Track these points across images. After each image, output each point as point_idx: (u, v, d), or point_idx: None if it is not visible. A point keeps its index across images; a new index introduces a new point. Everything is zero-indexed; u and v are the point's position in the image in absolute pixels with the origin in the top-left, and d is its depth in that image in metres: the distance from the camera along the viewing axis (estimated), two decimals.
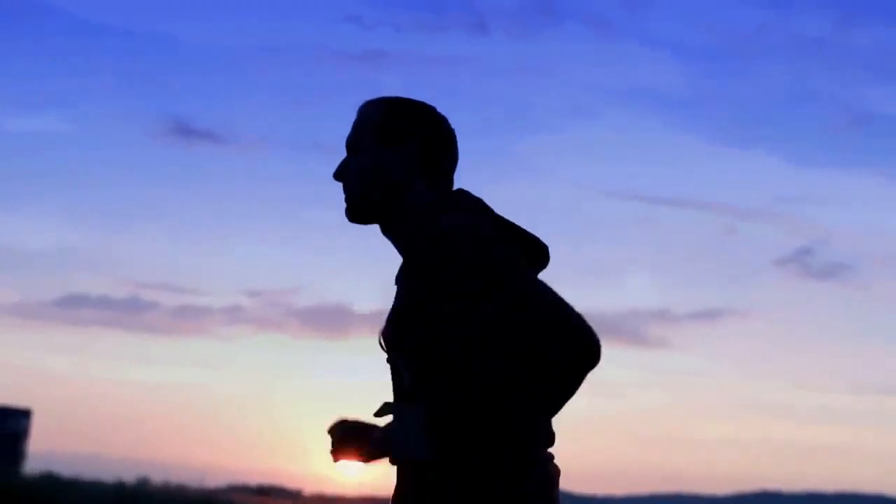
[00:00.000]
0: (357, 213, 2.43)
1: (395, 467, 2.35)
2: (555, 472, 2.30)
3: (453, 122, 2.50)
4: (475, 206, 2.35)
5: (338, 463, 2.35)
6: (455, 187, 2.48)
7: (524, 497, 2.21)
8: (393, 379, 2.37)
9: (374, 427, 2.32)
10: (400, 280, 2.39)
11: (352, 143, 2.46)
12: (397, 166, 2.40)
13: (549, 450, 2.32)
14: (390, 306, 2.41)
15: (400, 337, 2.30)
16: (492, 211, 2.37)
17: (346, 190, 2.45)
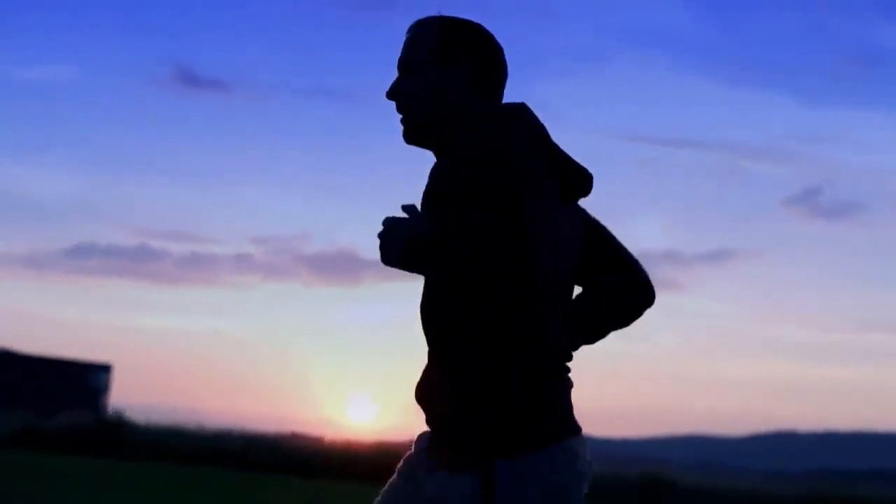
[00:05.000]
0: (416, 134, 2.44)
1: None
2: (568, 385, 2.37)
3: None
4: (514, 120, 2.39)
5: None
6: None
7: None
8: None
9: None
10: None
11: (405, 63, 2.47)
12: (454, 86, 2.42)
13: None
14: None
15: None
16: (538, 130, 2.40)
17: (401, 111, 2.46)
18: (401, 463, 2.43)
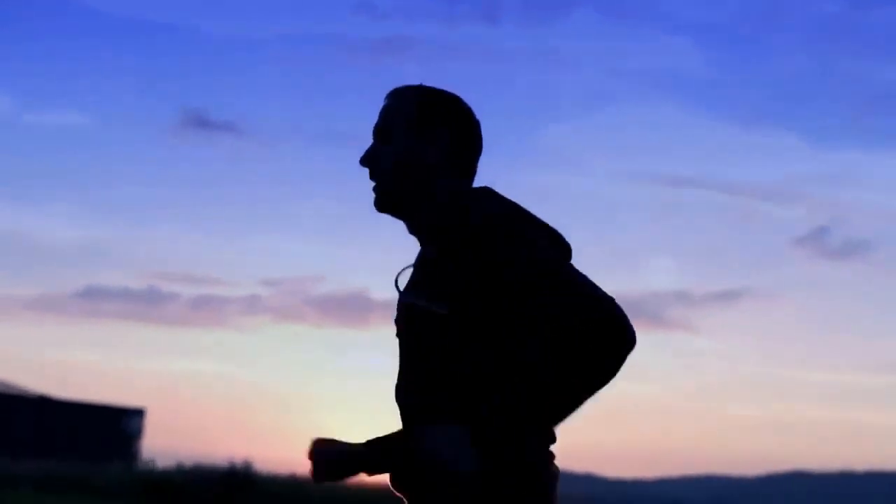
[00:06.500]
0: (388, 203, 2.43)
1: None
2: (556, 472, 2.30)
3: (475, 109, 2.50)
4: (503, 200, 2.35)
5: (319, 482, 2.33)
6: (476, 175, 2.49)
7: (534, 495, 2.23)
8: (401, 357, 2.39)
9: (350, 448, 2.32)
10: (418, 269, 2.39)
11: (381, 130, 2.44)
12: (429, 157, 2.40)
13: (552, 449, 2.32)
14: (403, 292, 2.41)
15: (417, 320, 2.31)
16: (518, 205, 2.37)
17: (375, 178, 2.44)
18: None
